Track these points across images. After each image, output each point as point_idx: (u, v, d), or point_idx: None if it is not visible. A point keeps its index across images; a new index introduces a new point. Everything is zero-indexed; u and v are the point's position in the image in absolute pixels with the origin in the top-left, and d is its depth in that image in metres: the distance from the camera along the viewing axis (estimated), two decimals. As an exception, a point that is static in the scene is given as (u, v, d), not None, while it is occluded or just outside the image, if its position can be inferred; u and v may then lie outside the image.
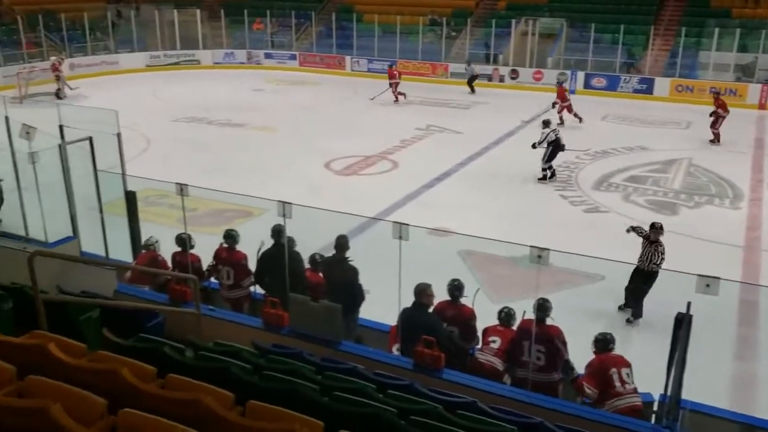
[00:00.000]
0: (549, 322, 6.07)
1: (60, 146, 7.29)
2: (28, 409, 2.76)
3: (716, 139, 17.87)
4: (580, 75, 25.50)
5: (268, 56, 30.60)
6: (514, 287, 8.59)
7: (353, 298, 6.81)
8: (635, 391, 5.66)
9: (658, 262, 8.39)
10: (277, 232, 6.96)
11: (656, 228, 8.56)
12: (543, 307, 6.02)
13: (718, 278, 4.57)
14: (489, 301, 7.96)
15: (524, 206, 13.03)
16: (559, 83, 20.91)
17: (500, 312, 6.48)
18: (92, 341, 4.82)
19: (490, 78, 26.76)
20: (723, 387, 7.12)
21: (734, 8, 26.14)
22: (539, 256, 5.20)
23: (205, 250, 7.74)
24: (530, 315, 6.05)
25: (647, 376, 5.62)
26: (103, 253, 7.87)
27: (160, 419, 2.86)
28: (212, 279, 7.74)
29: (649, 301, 8.51)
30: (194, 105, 22.10)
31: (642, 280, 8.51)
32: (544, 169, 14.47)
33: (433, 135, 18.82)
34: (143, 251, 8.00)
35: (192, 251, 7.60)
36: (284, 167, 15.22)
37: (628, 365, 5.77)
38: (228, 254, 7.57)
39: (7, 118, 7.35)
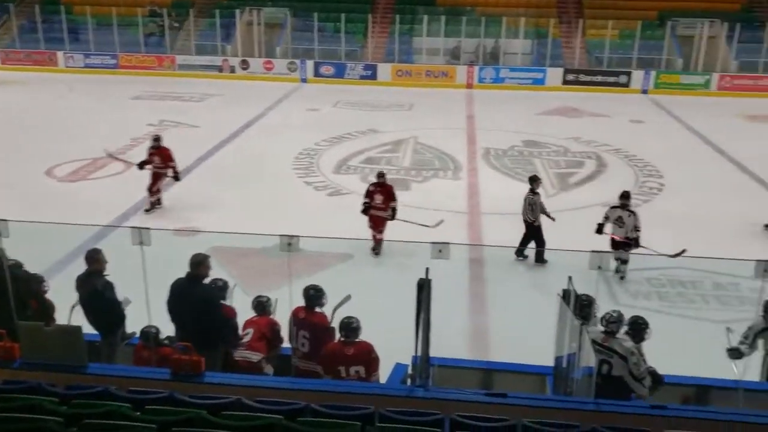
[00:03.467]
0: (320, 309, 6.01)
1: None
2: None
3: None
4: (309, 63, 26.20)
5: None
6: (269, 277, 8.59)
7: (109, 316, 6.22)
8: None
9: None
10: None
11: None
12: (309, 295, 5.96)
13: (448, 243, 5.03)
14: (245, 294, 7.87)
15: (270, 196, 13.05)
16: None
17: (252, 302, 6.38)
18: None
19: (220, 69, 26.30)
20: (463, 340, 7.90)
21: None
22: (289, 244, 5.26)
23: None
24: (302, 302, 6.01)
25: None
26: None
27: None
28: None
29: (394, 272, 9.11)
30: None
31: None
32: None
33: (167, 130, 17.92)
34: None
35: None
36: (-5, 179, 13.40)
37: (362, 363, 5.53)
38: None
39: None
